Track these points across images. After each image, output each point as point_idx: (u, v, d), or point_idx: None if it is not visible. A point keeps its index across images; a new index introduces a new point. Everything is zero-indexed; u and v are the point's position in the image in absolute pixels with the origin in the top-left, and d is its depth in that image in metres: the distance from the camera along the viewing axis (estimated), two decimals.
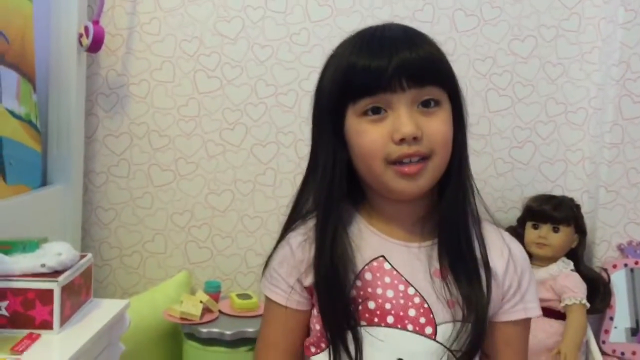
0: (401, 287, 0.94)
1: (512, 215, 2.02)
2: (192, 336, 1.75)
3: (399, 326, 0.94)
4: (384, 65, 0.84)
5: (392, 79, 0.84)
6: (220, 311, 1.81)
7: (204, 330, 1.71)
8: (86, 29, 1.79)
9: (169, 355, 1.83)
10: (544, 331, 1.73)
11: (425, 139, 0.85)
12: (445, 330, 0.91)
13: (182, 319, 1.73)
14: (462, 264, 0.91)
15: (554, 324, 1.75)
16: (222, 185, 2.06)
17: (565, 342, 1.68)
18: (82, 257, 1.36)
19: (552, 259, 1.83)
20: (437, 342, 0.92)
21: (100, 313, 1.34)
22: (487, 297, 0.90)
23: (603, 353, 1.90)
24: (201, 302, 1.78)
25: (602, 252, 2.00)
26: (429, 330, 0.93)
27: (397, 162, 0.86)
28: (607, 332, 1.94)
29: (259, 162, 2.05)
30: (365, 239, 0.95)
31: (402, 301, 0.93)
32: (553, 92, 2.04)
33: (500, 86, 2.04)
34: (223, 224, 2.07)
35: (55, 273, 1.22)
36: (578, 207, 1.89)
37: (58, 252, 1.27)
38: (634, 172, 1.97)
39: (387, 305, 0.94)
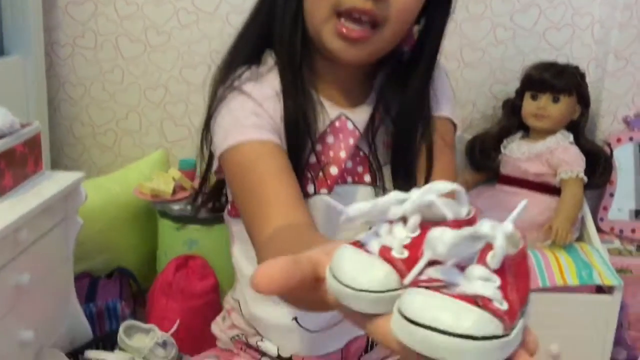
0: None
1: (512, 87, 1.85)
2: (166, 214, 1.67)
3: (340, 181, 0.85)
4: None
5: None
6: (194, 188, 1.72)
7: (176, 207, 1.63)
8: None
9: (144, 234, 1.77)
10: (536, 206, 1.63)
11: (385, 3, 0.74)
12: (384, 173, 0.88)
13: (152, 196, 1.65)
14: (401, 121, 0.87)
15: (547, 199, 1.64)
16: (197, 57, 1.90)
17: (558, 216, 1.57)
18: (25, 126, 1.24)
19: (550, 132, 1.69)
20: (378, 187, 0.88)
21: (50, 185, 1.26)
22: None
23: (600, 230, 1.81)
24: (173, 179, 1.69)
25: (607, 125, 1.85)
26: (367, 178, 0.89)
27: (345, 15, 0.75)
28: (605, 208, 1.83)
29: (236, 31, 1.87)
30: (316, 102, 0.85)
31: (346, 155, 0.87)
32: None
33: None
34: (200, 100, 1.92)
35: None
36: (582, 75, 1.72)
37: None
38: None
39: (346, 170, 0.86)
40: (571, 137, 1.69)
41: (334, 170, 0.85)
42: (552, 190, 1.66)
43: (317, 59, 0.85)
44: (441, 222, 0.38)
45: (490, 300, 0.34)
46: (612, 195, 1.83)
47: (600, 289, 1.55)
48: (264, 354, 0.95)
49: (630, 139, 1.83)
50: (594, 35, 1.86)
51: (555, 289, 1.51)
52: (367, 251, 0.39)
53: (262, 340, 0.95)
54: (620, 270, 1.64)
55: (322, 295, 0.41)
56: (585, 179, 1.62)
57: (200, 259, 1.62)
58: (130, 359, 1.34)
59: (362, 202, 0.40)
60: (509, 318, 0.34)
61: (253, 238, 0.74)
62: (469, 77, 1.91)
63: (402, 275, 0.38)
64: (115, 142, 1.97)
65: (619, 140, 1.82)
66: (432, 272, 0.36)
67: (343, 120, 0.86)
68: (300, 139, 0.81)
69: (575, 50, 1.88)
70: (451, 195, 0.41)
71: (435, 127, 0.89)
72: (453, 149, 0.92)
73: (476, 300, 0.34)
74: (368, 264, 0.38)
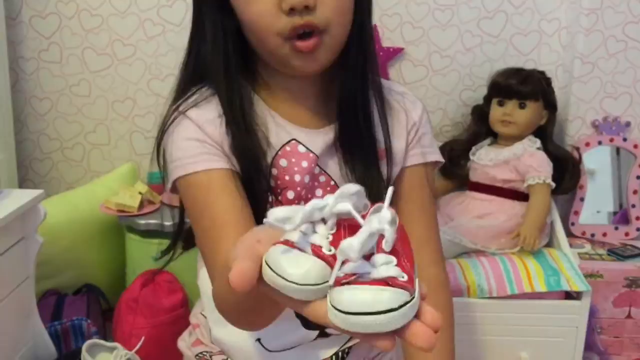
0: (317, 170, 0.86)
1: (480, 94, 1.85)
2: (132, 229, 1.65)
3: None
4: None
5: None
6: (162, 202, 1.71)
7: (142, 222, 1.61)
8: None
9: (112, 249, 1.75)
10: (504, 212, 1.62)
11: (319, 8, 0.75)
12: None
13: (118, 210, 1.63)
14: (359, 149, 0.85)
15: (515, 206, 1.64)
16: (165, 69, 1.89)
17: (525, 223, 1.57)
18: None
19: (517, 138, 1.69)
20: None
21: (7, 204, 1.24)
22: (385, 181, 0.87)
23: (572, 235, 1.81)
24: (140, 193, 1.67)
25: (575, 130, 1.85)
26: None
27: (293, 36, 0.76)
28: (577, 213, 1.83)
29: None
30: (269, 123, 0.84)
31: (309, 182, 0.85)
32: None
33: None
34: None
35: None
36: (548, 80, 1.72)
37: None
38: (613, 41, 1.79)
39: (304, 192, 0.84)
40: (538, 142, 1.68)
41: (290, 195, 0.84)
42: (521, 196, 1.65)
43: (273, 78, 0.85)
44: (347, 217, 0.48)
45: (395, 277, 0.44)
46: (582, 199, 1.83)
47: (569, 295, 1.54)
48: None
49: (599, 142, 1.83)
50: (560, 40, 1.87)
51: (524, 296, 1.50)
52: (300, 249, 0.47)
53: (226, 359, 0.94)
54: (591, 275, 1.64)
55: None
56: (553, 184, 1.62)
57: (168, 274, 1.60)
58: None
59: (285, 208, 0.47)
60: (411, 285, 0.45)
61: (207, 265, 0.77)
62: (438, 84, 1.91)
63: (331, 267, 0.46)
64: (83, 156, 1.95)
65: (587, 144, 1.82)
66: (348, 269, 0.45)
67: (293, 144, 0.84)
68: (251, 164, 0.81)
69: (542, 56, 1.89)
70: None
71: (427, 175, 0.92)
72: (432, 191, 0.95)
73: (386, 281, 0.44)
74: (306, 261, 0.46)
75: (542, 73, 1.73)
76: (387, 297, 0.43)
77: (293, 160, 0.84)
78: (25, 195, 1.28)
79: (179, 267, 1.61)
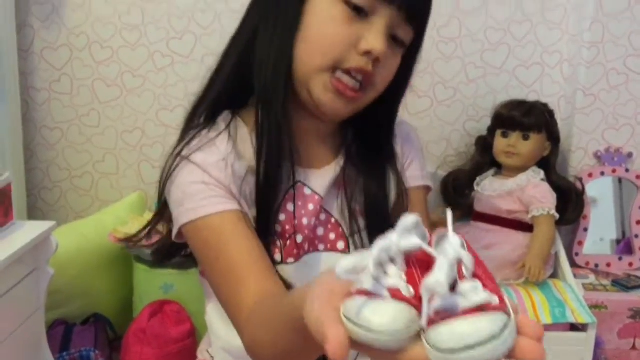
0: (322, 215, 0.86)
1: (484, 124, 1.88)
2: (140, 258, 1.67)
3: (311, 249, 0.84)
4: None
5: None
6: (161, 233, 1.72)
7: (150, 251, 1.62)
8: None
9: (120, 279, 1.76)
10: (509, 243, 1.64)
11: (379, 68, 0.77)
12: (358, 240, 0.86)
13: (127, 240, 1.64)
14: (366, 183, 0.87)
15: (520, 237, 1.65)
16: (174, 100, 1.92)
17: (530, 254, 1.59)
18: None
19: (521, 169, 1.71)
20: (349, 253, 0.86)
21: (20, 236, 1.25)
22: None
23: (576, 265, 1.83)
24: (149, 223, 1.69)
25: (578, 161, 1.88)
26: (341, 245, 0.86)
27: (343, 71, 0.76)
28: (580, 243, 1.85)
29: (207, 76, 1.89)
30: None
31: (312, 222, 0.85)
32: None
33: None
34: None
35: None
36: (551, 112, 1.75)
37: None
38: (614, 74, 1.82)
39: (310, 233, 0.85)
40: (542, 173, 1.71)
41: (299, 239, 0.83)
42: (526, 227, 1.67)
43: (291, 113, 0.82)
44: (414, 252, 0.46)
45: (487, 302, 0.42)
46: (586, 230, 1.85)
47: (574, 327, 1.55)
48: None
49: (602, 173, 1.85)
50: (563, 73, 1.90)
51: None
52: (378, 296, 0.44)
53: None
54: (596, 306, 1.65)
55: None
56: (557, 215, 1.64)
57: (176, 304, 1.61)
58: None
59: (350, 257, 0.45)
60: (503, 305, 0.42)
61: (229, 313, 0.74)
62: (442, 115, 1.94)
63: (417, 308, 0.43)
64: (92, 185, 1.97)
65: (590, 175, 1.84)
66: (437, 305, 0.42)
67: (299, 187, 0.84)
68: (263, 212, 0.80)
69: (545, 87, 1.92)
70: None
71: (410, 198, 0.90)
72: (427, 215, 0.93)
73: (480, 308, 0.42)
74: (388, 307, 0.43)
75: (545, 105, 1.76)
76: (486, 324, 0.41)
77: (299, 203, 0.83)
78: (37, 227, 1.30)
79: (187, 297, 1.63)
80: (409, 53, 0.82)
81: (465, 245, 0.47)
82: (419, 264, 0.46)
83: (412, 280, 0.45)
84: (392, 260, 0.46)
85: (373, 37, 0.75)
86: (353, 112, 0.82)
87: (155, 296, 1.63)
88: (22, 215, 1.79)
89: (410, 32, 0.79)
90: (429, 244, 0.47)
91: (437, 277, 0.42)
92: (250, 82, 0.82)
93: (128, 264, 1.74)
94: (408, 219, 0.46)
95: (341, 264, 0.45)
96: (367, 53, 0.75)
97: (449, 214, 0.46)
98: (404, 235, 0.46)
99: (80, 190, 1.98)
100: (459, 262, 0.44)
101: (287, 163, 0.82)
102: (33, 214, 1.95)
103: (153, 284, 1.65)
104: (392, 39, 0.78)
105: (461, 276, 0.44)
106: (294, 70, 0.79)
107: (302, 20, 0.77)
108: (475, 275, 0.44)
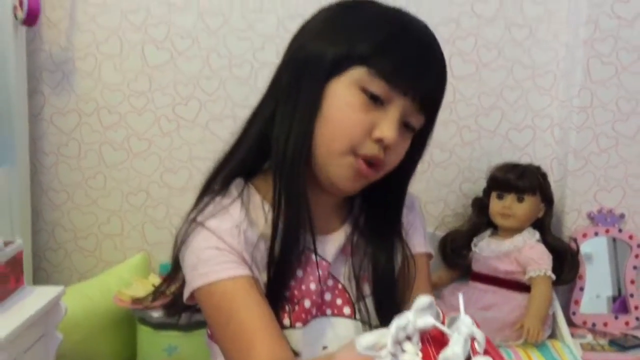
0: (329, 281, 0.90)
1: (480, 186, 1.94)
2: (144, 320, 1.68)
3: (319, 314, 0.88)
4: (420, 75, 0.82)
5: (414, 89, 0.81)
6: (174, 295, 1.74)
7: (155, 314, 1.65)
8: (20, 0, 1.69)
9: (124, 341, 1.77)
10: (507, 304, 1.67)
11: (390, 153, 0.84)
12: (363, 306, 0.90)
13: (132, 303, 1.66)
14: (375, 249, 0.91)
15: (518, 297, 1.69)
16: (178, 163, 1.98)
17: (528, 315, 1.62)
18: (8, 244, 1.28)
19: (517, 230, 1.76)
20: (357, 320, 0.89)
21: (30, 301, 1.28)
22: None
23: (573, 325, 1.85)
24: (153, 285, 1.71)
25: (572, 221, 1.93)
26: (347, 310, 0.89)
27: (362, 157, 0.82)
28: (577, 303, 1.88)
29: (216, 137, 1.96)
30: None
31: (317, 287, 0.88)
32: (519, 55, 1.95)
33: (464, 50, 1.95)
34: (181, 203, 1.98)
35: None
36: (544, 175, 1.81)
37: None
38: (604, 137, 1.89)
39: (318, 299, 0.89)
40: (537, 234, 1.75)
41: (307, 304, 0.86)
42: (523, 287, 1.71)
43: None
44: (428, 330, 0.51)
45: None
46: (582, 289, 1.88)
47: None
48: None
49: (596, 233, 1.90)
50: (554, 136, 1.97)
51: None
52: None
53: None
54: None
55: None
56: (553, 276, 1.68)
57: None
58: None
59: (370, 334, 0.51)
60: None
61: None
62: (439, 177, 2.00)
63: None
64: (96, 246, 2.01)
65: (584, 235, 1.89)
66: None
67: (307, 254, 0.87)
68: (275, 279, 0.83)
69: (537, 150, 1.99)
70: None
71: (427, 263, 0.97)
72: (429, 281, 0.98)
73: None
74: None
75: (538, 168, 1.82)
76: None
77: (308, 269, 0.87)
78: (48, 292, 1.32)
79: (190, 359, 1.64)
80: (420, 136, 0.88)
81: (476, 325, 0.50)
82: (433, 341, 0.50)
83: (427, 357, 0.49)
84: (408, 338, 0.50)
85: (387, 127, 0.80)
86: (362, 187, 0.88)
87: (159, 358, 1.64)
88: (28, 277, 1.82)
89: (421, 119, 0.85)
90: (442, 323, 0.52)
91: (454, 350, 0.46)
92: (267, 152, 0.87)
93: (132, 326, 1.76)
94: (423, 300, 0.51)
95: (361, 341, 0.50)
96: (379, 140, 0.81)
97: (461, 299, 0.52)
98: (420, 314, 0.50)
99: (85, 251, 2.01)
100: (472, 339, 0.48)
101: (302, 232, 0.86)
102: (37, 274, 1.97)
103: (157, 345, 1.66)
104: (404, 125, 0.84)
105: (474, 351, 0.48)
106: (313, 147, 0.84)
107: (322, 103, 0.82)
108: (486, 352, 0.48)
